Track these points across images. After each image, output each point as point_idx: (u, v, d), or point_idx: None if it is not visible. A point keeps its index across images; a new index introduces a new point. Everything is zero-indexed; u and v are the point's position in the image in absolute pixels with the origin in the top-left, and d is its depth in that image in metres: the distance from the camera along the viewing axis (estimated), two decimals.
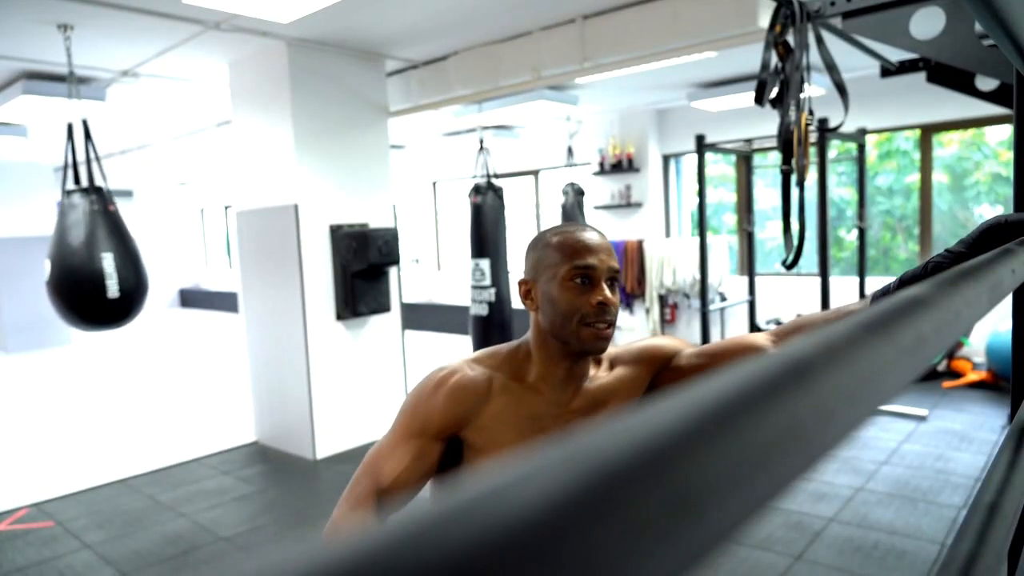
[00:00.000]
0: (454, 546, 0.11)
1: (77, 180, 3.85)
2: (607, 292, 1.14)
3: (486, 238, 5.42)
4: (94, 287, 3.71)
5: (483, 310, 5.38)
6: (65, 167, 3.85)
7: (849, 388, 0.20)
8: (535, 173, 8.84)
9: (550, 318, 1.15)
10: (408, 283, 9.56)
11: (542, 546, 0.12)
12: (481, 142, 5.83)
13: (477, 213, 5.47)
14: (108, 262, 3.73)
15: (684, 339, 1.30)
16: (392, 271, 4.90)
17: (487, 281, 5.37)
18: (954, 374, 5.66)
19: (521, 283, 1.22)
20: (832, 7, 2.49)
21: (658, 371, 1.23)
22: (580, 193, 6.97)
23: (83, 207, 3.76)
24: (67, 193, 3.81)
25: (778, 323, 6.59)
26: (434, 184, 10.12)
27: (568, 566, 0.12)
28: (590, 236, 1.17)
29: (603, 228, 6.91)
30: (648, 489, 0.14)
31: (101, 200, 3.80)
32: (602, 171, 7.74)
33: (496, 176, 5.88)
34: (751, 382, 0.18)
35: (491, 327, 5.36)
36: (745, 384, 0.18)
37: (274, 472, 4.47)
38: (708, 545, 0.15)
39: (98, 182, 3.85)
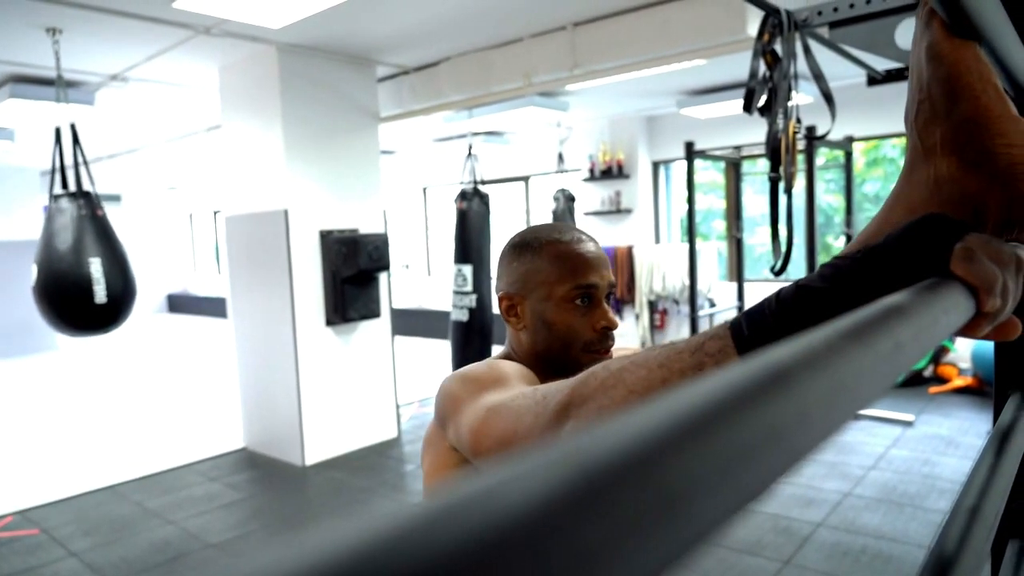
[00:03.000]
0: (441, 546, 0.11)
1: (65, 184, 3.82)
2: (610, 314, 1.03)
3: (470, 244, 5.40)
4: (81, 292, 3.67)
5: (463, 316, 5.33)
6: (53, 171, 3.82)
7: (828, 393, 0.21)
8: (525, 179, 8.85)
9: (546, 342, 1.03)
10: (398, 289, 9.54)
11: (529, 545, 0.12)
12: (470, 148, 5.84)
13: (462, 219, 5.46)
14: (96, 267, 3.70)
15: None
16: (382, 276, 4.90)
17: (469, 287, 5.35)
18: (940, 380, 5.71)
19: (503, 297, 1.06)
20: (819, 17, 2.51)
21: None
22: (571, 199, 6.98)
23: (71, 212, 3.72)
24: (55, 198, 3.78)
25: None
26: (424, 190, 10.12)
27: (555, 564, 0.12)
28: (588, 248, 1.04)
29: (593, 234, 6.90)
30: (634, 489, 0.14)
31: (89, 205, 3.77)
32: (592, 177, 7.77)
33: (486, 182, 5.88)
34: (734, 386, 0.19)
35: (471, 333, 5.32)
36: (728, 388, 0.19)
37: (263, 478, 4.44)
38: (692, 543, 0.16)
39: (86, 187, 3.82)
